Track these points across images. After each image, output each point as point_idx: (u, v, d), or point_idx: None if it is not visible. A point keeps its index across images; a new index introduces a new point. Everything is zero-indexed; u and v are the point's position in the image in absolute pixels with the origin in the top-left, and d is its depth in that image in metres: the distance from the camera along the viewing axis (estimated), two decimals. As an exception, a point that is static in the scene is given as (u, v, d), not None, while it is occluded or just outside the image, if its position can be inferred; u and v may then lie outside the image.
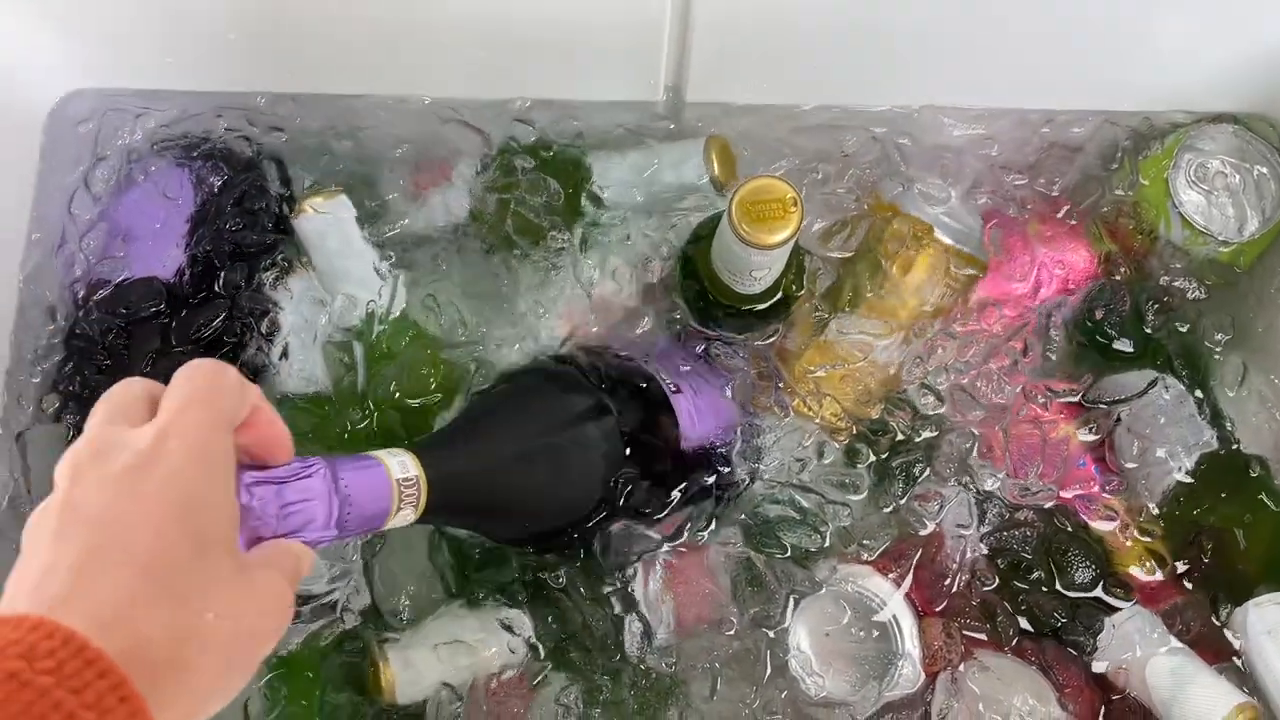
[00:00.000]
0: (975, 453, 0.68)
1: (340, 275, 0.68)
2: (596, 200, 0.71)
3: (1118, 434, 0.68)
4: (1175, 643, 0.62)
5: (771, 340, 0.69)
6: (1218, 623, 0.65)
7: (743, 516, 0.66)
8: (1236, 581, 0.65)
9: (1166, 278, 0.71)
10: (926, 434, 0.68)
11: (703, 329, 0.68)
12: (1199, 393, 0.69)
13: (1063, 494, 0.67)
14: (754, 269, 0.60)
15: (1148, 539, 0.67)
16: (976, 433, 0.68)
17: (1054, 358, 0.71)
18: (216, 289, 0.69)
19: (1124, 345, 0.71)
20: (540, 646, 0.63)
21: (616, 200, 0.71)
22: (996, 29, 0.70)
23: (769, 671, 0.64)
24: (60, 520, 0.34)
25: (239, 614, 0.36)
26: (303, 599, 0.61)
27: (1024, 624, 0.64)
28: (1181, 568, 0.66)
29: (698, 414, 0.63)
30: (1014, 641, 0.64)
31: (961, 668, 0.63)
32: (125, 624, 0.32)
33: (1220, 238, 0.70)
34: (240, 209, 0.70)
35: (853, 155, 0.74)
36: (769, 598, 0.64)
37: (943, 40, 0.70)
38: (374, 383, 0.66)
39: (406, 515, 0.47)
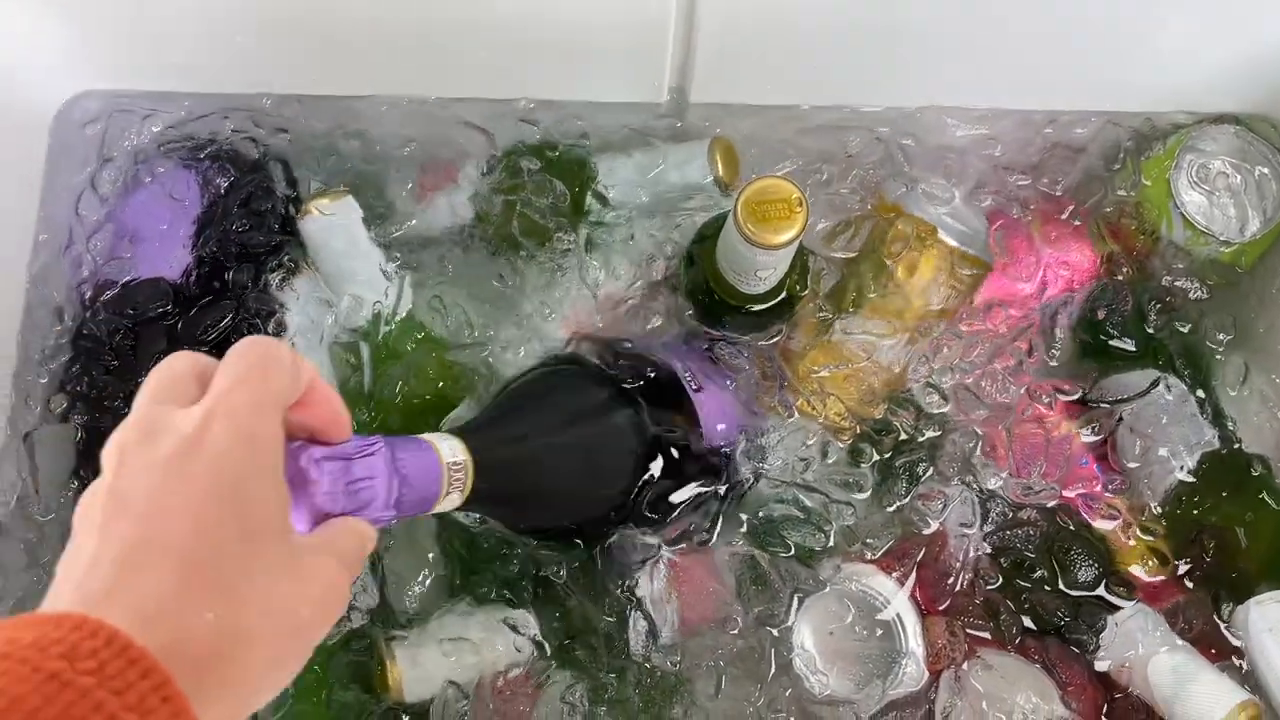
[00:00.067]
0: (978, 452, 0.68)
1: (346, 276, 0.68)
2: (602, 199, 0.71)
3: (1120, 433, 0.68)
4: (1177, 641, 0.63)
5: (775, 340, 0.69)
6: (1219, 621, 0.65)
7: (747, 516, 0.66)
8: (1238, 580, 0.65)
9: (1168, 278, 0.72)
10: (930, 433, 0.68)
11: (707, 329, 0.68)
12: (1201, 392, 0.69)
13: (1065, 493, 0.68)
14: (759, 269, 0.60)
15: (1150, 538, 0.67)
16: (980, 432, 0.68)
17: (1058, 358, 0.71)
18: (223, 290, 0.69)
19: (1126, 345, 0.71)
20: (546, 645, 0.63)
21: (621, 200, 0.72)
22: (999, 30, 0.70)
23: (773, 670, 0.64)
24: (105, 510, 0.33)
25: (287, 606, 0.35)
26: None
27: (1027, 622, 0.65)
28: (1183, 566, 0.66)
29: (718, 413, 0.64)
30: (1017, 640, 0.64)
31: (965, 666, 0.63)
32: (169, 619, 0.31)
33: (1222, 238, 0.70)
34: (247, 210, 0.70)
35: (856, 156, 0.74)
36: (773, 596, 0.64)
37: (946, 41, 0.70)
38: (380, 383, 0.67)
39: (453, 500, 0.47)
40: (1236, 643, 0.64)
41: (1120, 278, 0.72)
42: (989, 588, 0.65)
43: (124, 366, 0.68)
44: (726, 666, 0.64)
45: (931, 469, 0.67)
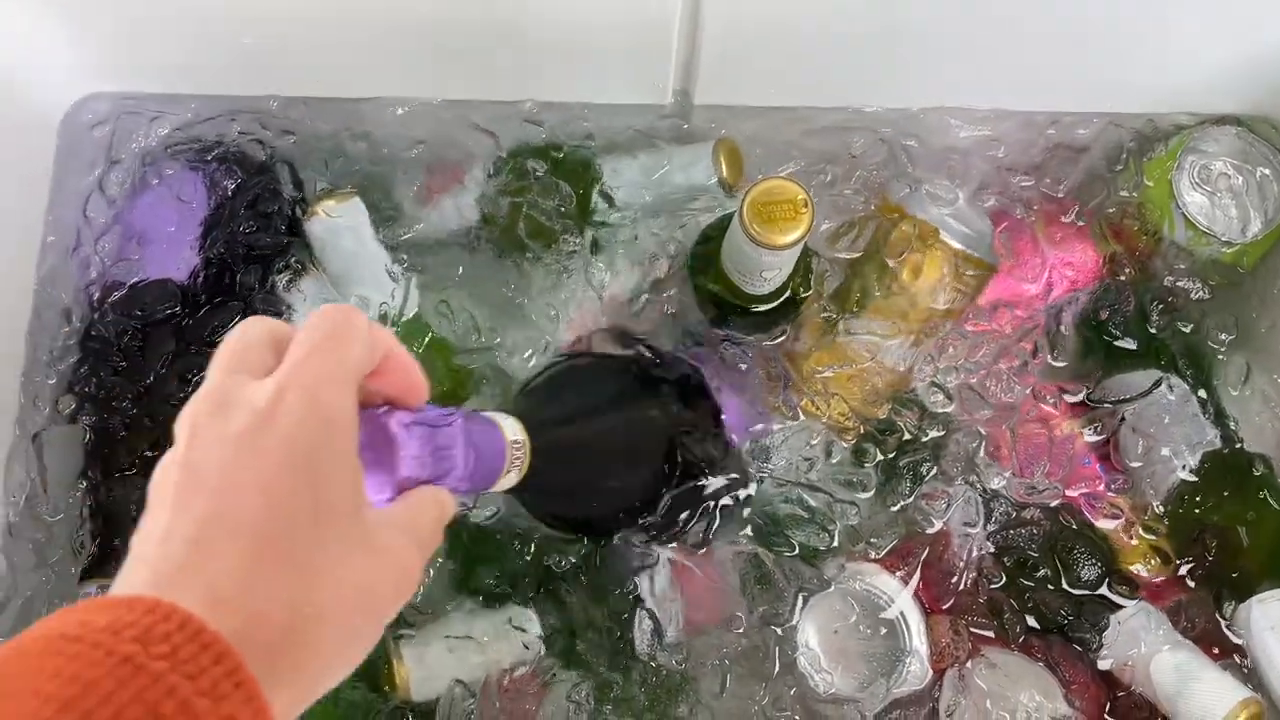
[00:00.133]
0: (982, 452, 0.68)
1: (353, 278, 0.68)
2: (608, 200, 0.71)
3: (1122, 433, 0.68)
4: (1180, 639, 0.63)
5: (780, 340, 0.69)
6: (1221, 619, 0.65)
7: (751, 515, 0.66)
8: (1240, 578, 0.66)
9: (1171, 278, 0.72)
10: (934, 433, 0.69)
11: (712, 329, 0.69)
12: (1203, 392, 0.70)
13: (1068, 492, 0.68)
14: (764, 269, 0.61)
15: (1152, 537, 0.67)
16: (983, 432, 0.68)
17: (1062, 359, 0.71)
18: (230, 291, 0.69)
19: (1128, 345, 0.71)
20: (552, 644, 0.64)
21: (626, 201, 0.72)
22: (1002, 31, 0.70)
23: (778, 668, 0.64)
24: (178, 485, 0.33)
25: (360, 584, 0.34)
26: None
27: (1030, 621, 0.65)
28: (1185, 565, 0.67)
29: (735, 413, 0.64)
30: (1020, 638, 0.64)
31: (969, 664, 0.63)
32: (241, 598, 0.31)
33: (1223, 238, 0.70)
34: (254, 212, 0.70)
35: (860, 157, 0.74)
36: (778, 595, 0.65)
37: (949, 42, 0.70)
38: (387, 384, 0.67)
39: (511, 479, 0.46)
40: (1238, 641, 0.65)
41: (1123, 278, 0.72)
42: (992, 587, 0.66)
43: (132, 367, 0.68)
44: (731, 665, 0.64)
45: (935, 469, 0.68)
